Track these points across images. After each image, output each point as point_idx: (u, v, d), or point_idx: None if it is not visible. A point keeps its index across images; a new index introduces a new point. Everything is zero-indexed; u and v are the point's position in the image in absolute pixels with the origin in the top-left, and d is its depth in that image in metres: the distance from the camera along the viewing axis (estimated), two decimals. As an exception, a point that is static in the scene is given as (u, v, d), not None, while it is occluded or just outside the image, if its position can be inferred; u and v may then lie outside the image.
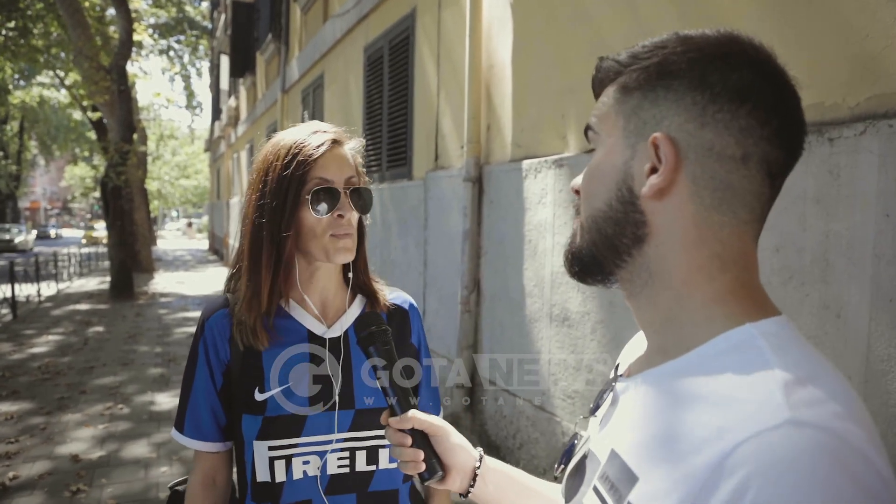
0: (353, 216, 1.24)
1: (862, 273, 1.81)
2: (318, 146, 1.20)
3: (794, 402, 0.53)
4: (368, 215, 1.36)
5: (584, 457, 0.75)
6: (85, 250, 21.87)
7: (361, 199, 1.26)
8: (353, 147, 1.29)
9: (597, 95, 0.74)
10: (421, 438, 0.93)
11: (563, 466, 0.80)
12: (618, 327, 2.93)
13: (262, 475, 1.24)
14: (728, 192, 0.63)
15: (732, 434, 0.53)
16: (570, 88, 3.34)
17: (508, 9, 3.96)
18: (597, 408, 0.77)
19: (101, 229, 33.01)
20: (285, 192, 1.19)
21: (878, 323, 1.77)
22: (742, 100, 0.62)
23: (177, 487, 1.41)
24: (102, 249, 22.14)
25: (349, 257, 1.24)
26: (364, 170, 1.33)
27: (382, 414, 0.97)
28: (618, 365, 0.79)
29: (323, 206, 1.19)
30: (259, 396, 1.23)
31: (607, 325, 3.01)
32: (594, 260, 0.71)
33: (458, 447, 0.94)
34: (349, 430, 1.25)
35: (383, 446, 1.27)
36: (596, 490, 0.68)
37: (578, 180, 0.75)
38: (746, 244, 0.65)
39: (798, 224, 2.00)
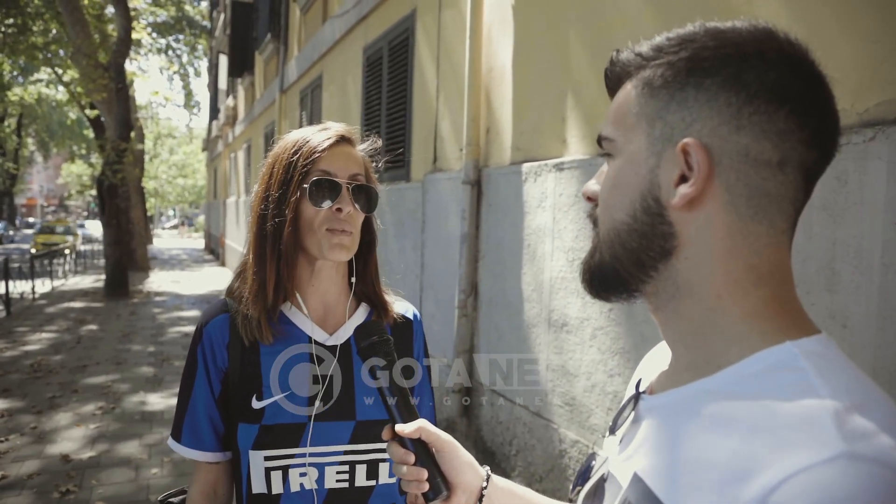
0: (356, 215, 1.21)
1: (869, 282, 1.78)
2: (324, 140, 1.20)
3: (847, 434, 0.48)
4: (380, 223, 1.35)
5: (603, 479, 0.70)
6: (81, 247, 21.66)
7: (365, 197, 1.23)
8: (365, 148, 1.29)
9: (611, 92, 0.68)
10: (425, 455, 0.87)
11: (578, 488, 0.76)
12: (618, 334, 2.90)
13: (258, 486, 1.20)
14: (765, 200, 0.58)
15: (778, 466, 0.48)
16: (571, 91, 3.31)
17: (509, 11, 3.93)
18: (616, 426, 0.71)
19: (62, 231, 25.69)
20: (287, 182, 1.18)
21: (886, 334, 1.73)
22: (781, 101, 0.57)
23: (169, 500, 1.35)
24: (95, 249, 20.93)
25: (345, 256, 1.20)
26: (376, 174, 1.31)
27: (384, 429, 0.91)
28: (639, 381, 0.74)
29: (322, 198, 1.17)
30: (256, 404, 1.20)
31: (607, 331, 2.97)
32: (617, 276, 0.66)
33: (465, 465, 0.89)
34: (349, 443, 1.21)
35: (384, 460, 1.23)
36: None
37: (592, 186, 0.69)
38: (783, 255, 0.61)
39: (804, 232, 1.96)
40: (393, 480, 1.25)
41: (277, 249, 1.19)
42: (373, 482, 1.23)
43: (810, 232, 1.95)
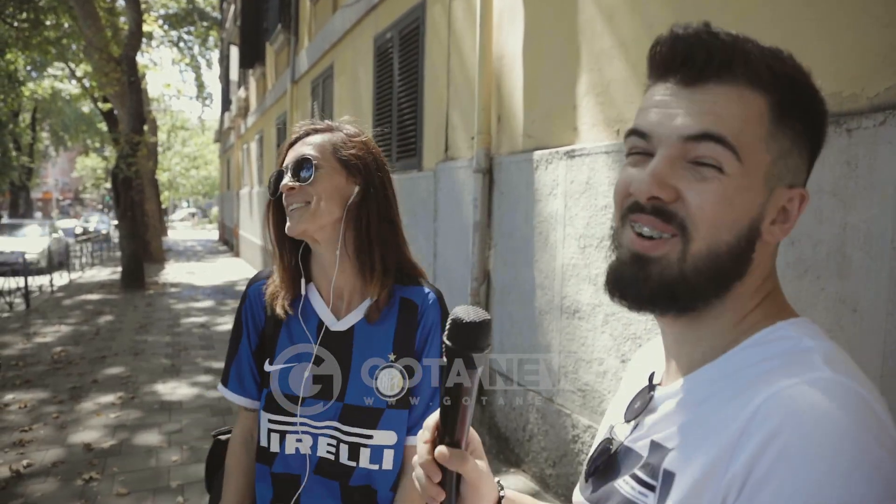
0: (299, 187, 1.26)
1: (880, 267, 1.78)
2: (292, 137, 1.36)
3: (834, 368, 0.56)
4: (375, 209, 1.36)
5: (617, 454, 0.75)
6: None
7: (298, 167, 1.28)
8: (329, 137, 1.32)
9: (688, 66, 0.64)
10: (451, 480, 0.77)
11: (592, 474, 0.78)
12: (629, 319, 2.91)
13: (263, 440, 1.34)
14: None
15: (767, 390, 0.56)
16: (582, 79, 3.31)
17: (519, -2, 3.92)
18: (630, 415, 0.77)
19: None
20: (273, 177, 1.35)
21: (896, 317, 1.74)
22: (815, 142, 0.66)
23: (219, 437, 1.53)
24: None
25: (296, 228, 1.27)
26: (349, 155, 1.31)
27: (435, 448, 0.76)
28: (653, 374, 0.79)
29: (276, 188, 1.31)
30: (268, 367, 1.34)
31: (619, 317, 2.99)
32: (692, 292, 0.64)
33: (483, 499, 0.80)
34: (337, 421, 1.30)
35: (365, 446, 1.29)
36: (633, 475, 0.70)
37: (669, 180, 0.63)
38: (776, 252, 0.70)
39: (814, 217, 1.97)
40: (375, 467, 1.29)
41: (285, 237, 1.34)
42: (353, 463, 1.30)
43: (821, 217, 1.95)
